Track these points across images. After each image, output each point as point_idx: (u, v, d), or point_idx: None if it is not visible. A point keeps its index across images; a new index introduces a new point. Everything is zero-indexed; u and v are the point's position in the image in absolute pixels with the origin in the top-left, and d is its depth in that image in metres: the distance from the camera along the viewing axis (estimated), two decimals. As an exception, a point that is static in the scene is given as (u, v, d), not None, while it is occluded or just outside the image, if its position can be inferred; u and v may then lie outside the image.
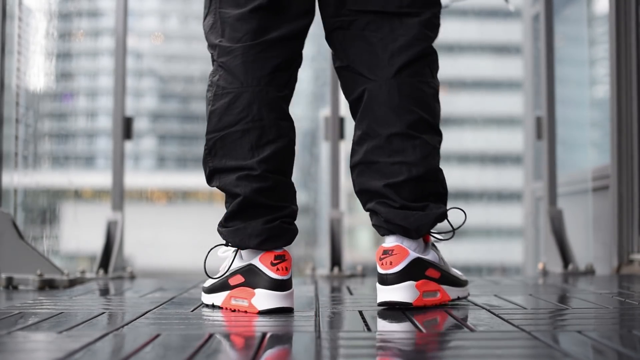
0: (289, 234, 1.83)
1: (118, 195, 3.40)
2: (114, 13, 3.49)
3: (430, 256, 1.85)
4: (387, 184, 1.83)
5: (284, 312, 1.76)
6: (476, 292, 2.24)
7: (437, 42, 2.00)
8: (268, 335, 1.42)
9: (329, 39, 1.93)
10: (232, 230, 1.82)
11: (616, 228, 3.35)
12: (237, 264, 1.84)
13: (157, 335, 1.41)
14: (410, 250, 1.81)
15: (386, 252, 1.81)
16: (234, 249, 1.85)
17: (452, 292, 1.89)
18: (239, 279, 1.82)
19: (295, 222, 1.87)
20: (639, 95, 3.33)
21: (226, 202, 1.85)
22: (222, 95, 1.82)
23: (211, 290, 1.91)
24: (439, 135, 1.90)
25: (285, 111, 1.86)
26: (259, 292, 1.78)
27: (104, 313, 1.80)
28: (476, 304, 1.91)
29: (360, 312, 1.77)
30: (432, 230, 1.87)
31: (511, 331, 1.45)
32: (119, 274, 3.16)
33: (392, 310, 1.81)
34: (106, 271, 3.18)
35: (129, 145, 3.56)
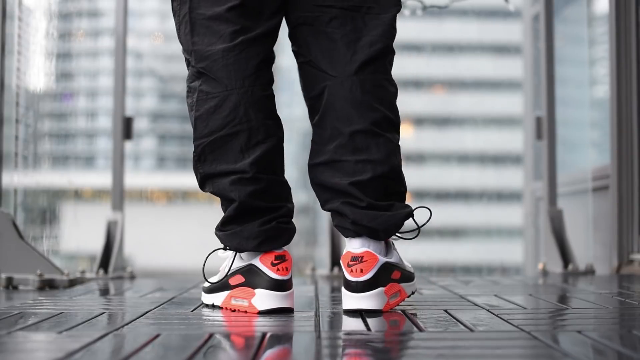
0: (287, 233, 1.83)
1: (118, 195, 3.40)
2: (114, 13, 3.48)
3: (394, 258, 1.84)
4: (352, 182, 1.78)
5: (284, 312, 1.76)
6: (476, 292, 2.24)
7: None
8: (268, 335, 1.42)
9: (292, 34, 1.89)
10: (229, 234, 1.82)
11: (616, 228, 3.34)
12: (238, 263, 1.84)
13: (157, 335, 1.41)
14: (379, 256, 1.78)
15: (355, 258, 1.76)
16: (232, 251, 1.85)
17: (408, 289, 1.88)
18: (239, 278, 1.82)
19: (295, 221, 1.87)
20: (639, 95, 3.33)
21: (222, 205, 1.85)
22: (207, 100, 1.81)
23: (211, 290, 1.91)
24: (399, 134, 1.87)
25: (272, 110, 1.85)
26: (259, 292, 1.78)
27: (104, 313, 1.80)
28: (476, 304, 1.91)
29: (360, 312, 1.77)
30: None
31: (511, 331, 1.45)
32: (119, 274, 3.16)
33: (391, 311, 1.81)
34: (106, 271, 3.18)
35: (129, 145, 3.56)
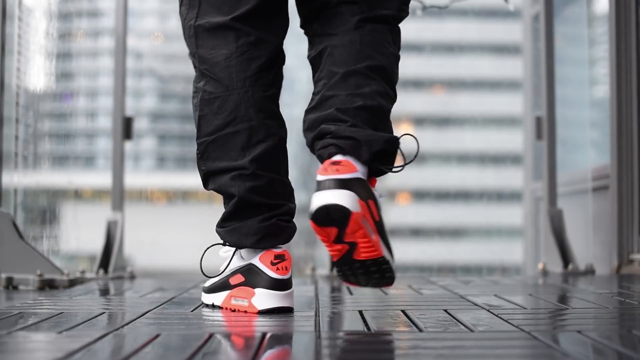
0: (287, 232, 1.83)
1: (118, 195, 3.41)
2: (114, 13, 3.48)
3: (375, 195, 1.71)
4: (339, 109, 1.73)
5: (283, 312, 1.77)
6: (476, 292, 2.24)
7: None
8: (268, 335, 1.42)
9: (307, 25, 1.89)
10: (229, 229, 1.83)
11: (616, 228, 3.34)
12: (237, 263, 1.84)
13: (157, 335, 1.41)
14: (357, 166, 1.67)
15: (335, 163, 1.66)
16: (234, 248, 1.86)
17: (385, 253, 1.70)
18: (239, 278, 1.83)
19: (295, 221, 1.88)
20: (639, 95, 3.33)
21: (224, 203, 1.86)
22: (210, 100, 1.84)
23: (211, 290, 1.92)
24: (394, 96, 1.82)
25: (274, 110, 1.87)
26: (258, 291, 1.78)
27: (104, 313, 1.80)
28: (476, 304, 1.91)
29: (360, 312, 1.77)
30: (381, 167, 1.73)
31: (511, 331, 1.45)
32: (119, 274, 3.16)
33: (391, 311, 1.81)
34: (106, 271, 3.18)
35: (129, 145, 3.56)
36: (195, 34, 1.86)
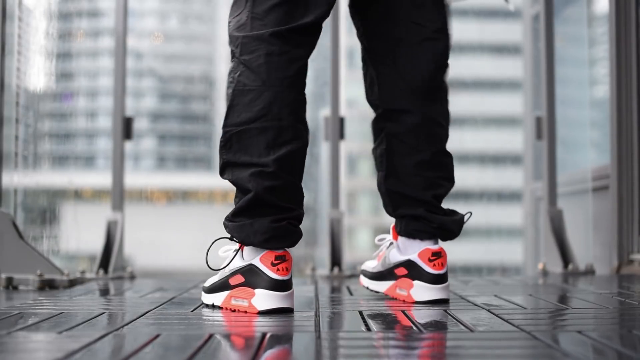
0: (294, 236, 1.84)
1: (118, 195, 3.40)
2: (114, 13, 3.48)
3: None
4: (435, 195, 2.03)
5: (284, 312, 1.77)
6: (476, 292, 2.24)
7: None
8: (268, 335, 1.42)
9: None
10: (239, 225, 1.82)
11: (616, 228, 3.34)
12: (238, 263, 1.84)
13: (157, 335, 1.41)
14: None
15: (436, 254, 1.99)
16: (234, 248, 1.86)
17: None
18: (239, 278, 1.83)
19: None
20: (639, 95, 3.33)
21: (236, 197, 1.86)
22: (243, 92, 1.83)
23: (211, 290, 1.92)
24: None
25: (302, 115, 1.88)
26: (259, 292, 1.78)
27: (104, 313, 1.80)
28: (476, 304, 1.91)
29: (360, 312, 1.77)
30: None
31: (511, 331, 1.45)
32: (119, 274, 3.16)
33: (391, 311, 1.81)
34: (106, 271, 3.18)
35: (129, 145, 3.56)
36: (250, 20, 1.86)
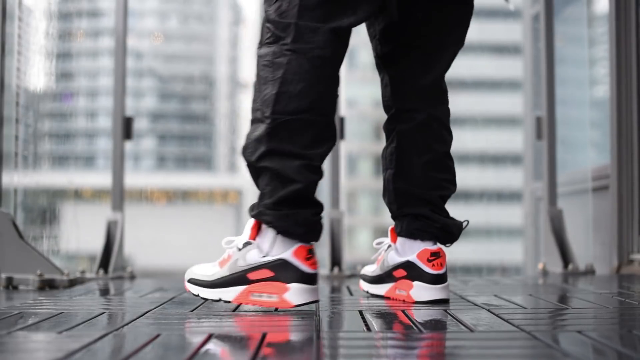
0: (322, 231, 1.87)
1: (118, 195, 3.40)
2: (114, 13, 3.48)
3: None
4: (441, 196, 2.05)
5: (312, 304, 1.82)
6: (476, 292, 2.24)
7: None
8: (268, 336, 1.42)
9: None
10: (282, 214, 1.79)
11: (616, 228, 3.34)
12: (256, 258, 1.82)
13: (157, 335, 1.41)
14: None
15: (435, 254, 1.99)
16: (243, 242, 1.83)
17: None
18: (266, 273, 1.80)
19: None
20: (639, 95, 3.33)
21: (267, 185, 1.81)
22: (293, 81, 1.80)
23: (218, 284, 1.87)
24: None
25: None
26: (294, 286, 1.78)
27: (104, 313, 1.80)
28: (476, 304, 1.91)
29: (360, 312, 1.77)
30: None
31: (511, 331, 1.45)
32: (119, 274, 3.16)
33: (391, 311, 1.81)
34: (106, 271, 3.18)
35: (129, 145, 3.56)
36: (295, 11, 1.82)
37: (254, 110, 1.85)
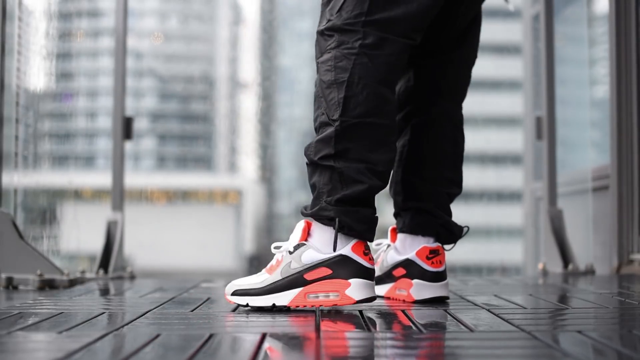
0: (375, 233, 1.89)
1: (118, 195, 3.40)
2: (114, 13, 3.48)
3: None
4: (448, 194, 2.07)
5: (372, 301, 1.84)
6: (476, 292, 2.24)
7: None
8: (268, 335, 1.42)
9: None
10: (345, 210, 1.80)
11: (616, 228, 3.34)
12: (315, 256, 1.80)
13: (157, 335, 1.41)
14: None
15: (434, 251, 2.00)
16: (294, 245, 1.82)
17: None
18: (323, 271, 1.79)
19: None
20: (639, 95, 3.33)
21: (327, 184, 1.81)
22: (359, 85, 1.82)
23: (270, 290, 1.83)
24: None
25: None
26: (355, 282, 1.78)
27: (104, 313, 1.80)
28: (476, 304, 1.91)
29: (360, 312, 1.77)
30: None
31: (511, 331, 1.45)
32: (119, 274, 3.16)
33: (391, 311, 1.81)
34: (106, 271, 3.18)
35: (129, 145, 3.55)
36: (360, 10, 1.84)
37: (318, 114, 1.85)
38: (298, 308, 1.81)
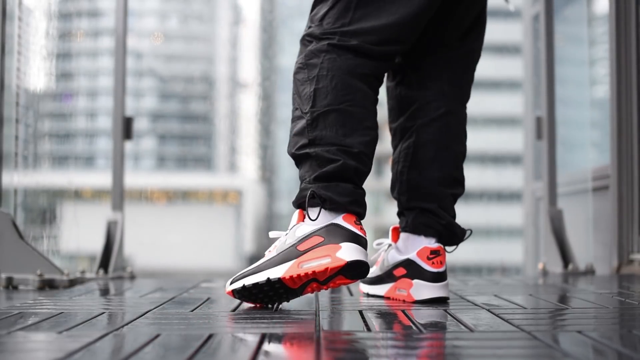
0: (366, 208, 1.90)
1: (118, 195, 3.40)
2: (114, 13, 3.48)
3: None
4: (453, 194, 2.08)
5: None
6: (476, 292, 2.24)
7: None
8: (268, 335, 1.42)
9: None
10: (323, 185, 1.83)
11: (616, 228, 3.34)
12: (306, 230, 1.83)
13: (157, 335, 1.41)
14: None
15: (435, 252, 2.00)
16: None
17: None
18: (316, 240, 1.81)
19: None
20: (639, 95, 3.33)
21: (307, 171, 1.86)
22: (328, 77, 1.87)
23: (266, 266, 1.85)
24: None
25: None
26: (345, 244, 1.79)
27: (104, 313, 1.80)
28: (476, 304, 1.91)
29: (360, 312, 1.77)
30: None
31: (511, 331, 1.45)
32: (119, 274, 3.16)
33: (391, 311, 1.81)
34: (106, 271, 3.18)
35: (129, 145, 3.55)
36: (358, 5, 1.91)
37: (293, 111, 1.92)
38: (299, 304, 1.82)
